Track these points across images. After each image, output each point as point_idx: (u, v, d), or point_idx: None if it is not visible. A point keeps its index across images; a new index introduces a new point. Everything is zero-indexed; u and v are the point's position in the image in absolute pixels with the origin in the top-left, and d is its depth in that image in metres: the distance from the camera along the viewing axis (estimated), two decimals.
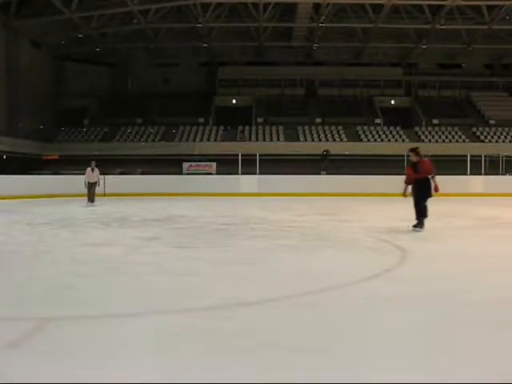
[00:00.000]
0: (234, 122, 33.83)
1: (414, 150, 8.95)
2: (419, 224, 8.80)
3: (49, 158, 30.86)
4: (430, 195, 8.74)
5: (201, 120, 34.81)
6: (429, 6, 29.79)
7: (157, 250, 6.74)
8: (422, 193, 8.72)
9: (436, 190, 8.73)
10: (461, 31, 33.27)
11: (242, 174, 23.08)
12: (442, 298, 4.24)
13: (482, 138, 32.88)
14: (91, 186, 15.95)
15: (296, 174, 23.73)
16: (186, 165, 28.54)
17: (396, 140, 32.53)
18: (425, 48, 35.24)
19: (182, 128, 33.62)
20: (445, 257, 6.40)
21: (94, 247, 6.98)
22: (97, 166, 16.35)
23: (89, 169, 16.17)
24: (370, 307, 3.96)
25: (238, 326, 3.47)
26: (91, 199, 15.91)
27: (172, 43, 35.04)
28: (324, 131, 33.42)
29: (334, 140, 32.45)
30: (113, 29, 32.53)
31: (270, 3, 29.22)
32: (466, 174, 23.23)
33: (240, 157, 23.52)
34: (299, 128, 33.49)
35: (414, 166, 8.89)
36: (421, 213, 8.78)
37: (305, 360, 2.84)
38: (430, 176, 8.73)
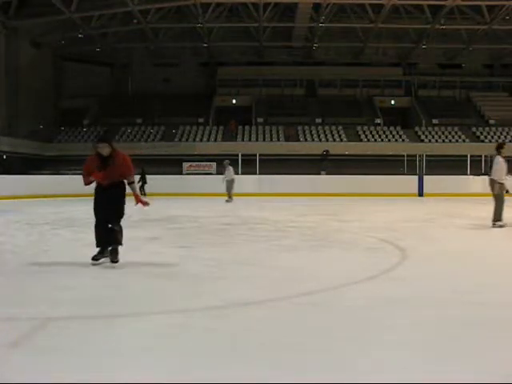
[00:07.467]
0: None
1: None
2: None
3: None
4: None
5: (201, 120, 34.79)
6: (429, 5, 29.79)
7: (157, 250, 6.74)
8: None
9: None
10: (461, 31, 33.27)
11: (242, 174, 23.09)
12: (442, 298, 4.24)
13: (481, 138, 32.87)
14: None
15: (296, 174, 23.73)
16: (185, 165, 28.54)
17: (396, 140, 32.52)
18: (425, 48, 35.24)
19: (181, 128, 33.61)
20: (445, 257, 6.40)
21: (95, 247, 6.97)
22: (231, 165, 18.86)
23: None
24: (370, 307, 3.95)
25: (238, 326, 3.47)
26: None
27: (172, 43, 35.05)
28: (324, 131, 33.40)
29: (334, 140, 32.43)
30: (113, 29, 32.54)
31: (270, 3, 29.21)
32: (466, 174, 23.24)
33: (240, 157, 23.53)
34: (299, 128, 33.48)
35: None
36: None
37: (305, 360, 2.83)
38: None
